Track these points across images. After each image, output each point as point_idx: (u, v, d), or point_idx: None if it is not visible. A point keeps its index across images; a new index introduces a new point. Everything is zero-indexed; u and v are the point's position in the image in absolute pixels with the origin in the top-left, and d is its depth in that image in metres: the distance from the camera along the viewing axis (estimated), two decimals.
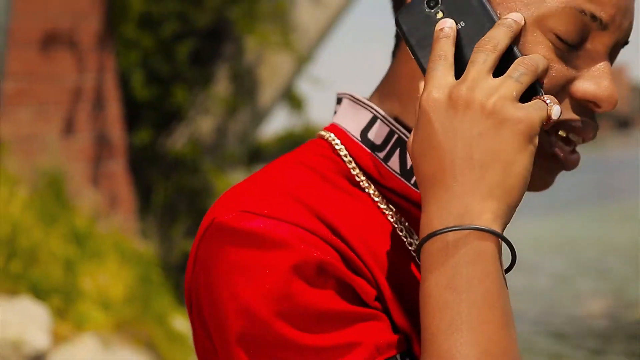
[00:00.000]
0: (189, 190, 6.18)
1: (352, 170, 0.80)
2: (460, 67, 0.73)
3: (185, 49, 6.11)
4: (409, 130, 0.80)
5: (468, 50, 0.74)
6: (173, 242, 5.93)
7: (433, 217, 0.70)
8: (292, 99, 7.40)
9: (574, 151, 0.79)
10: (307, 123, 7.83)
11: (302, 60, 6.52)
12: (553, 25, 0.74)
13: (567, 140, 0.78)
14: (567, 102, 0.76)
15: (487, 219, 0.68)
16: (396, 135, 0.80)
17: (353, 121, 0.82)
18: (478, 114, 0.69)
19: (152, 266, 4.68)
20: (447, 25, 0.74)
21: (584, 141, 0.79)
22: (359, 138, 0.81)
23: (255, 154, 7.62)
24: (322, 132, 0.83)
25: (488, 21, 0.74)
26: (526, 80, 0.71)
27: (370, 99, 0.84)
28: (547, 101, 0.71)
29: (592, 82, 0.76)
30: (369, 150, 0.80)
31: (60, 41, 4.99)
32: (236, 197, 0.76)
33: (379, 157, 0.80)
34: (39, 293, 3.58)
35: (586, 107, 0.77)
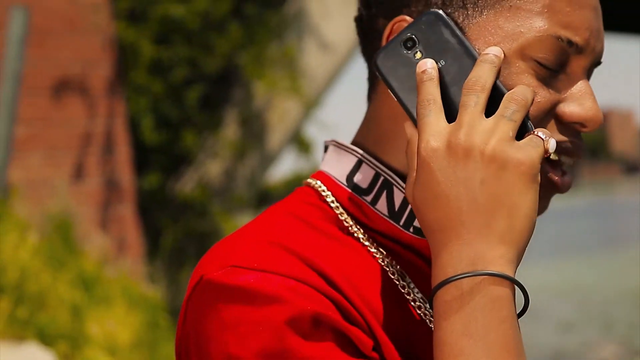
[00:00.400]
0: (197, 233, 6.19)
1: (339, 215, 0.79)
2: (447, 106, 0.73)
3: (194, 94, 6.17)
4: (395, 172, 0.80)
5: (454, 89, 0.74)
6: (181, 287, 5.92)
7: (445, 265, 0.70)
8: (300, 143, 7.45)
9: (565, 173, 0.79)
10: (315, 166, 7.86)
11: (310, 104, 6.57)
12: (533, 53, 0.76)
13: (556, 163, 0.79)
14: (553, 125, 0.77)
15: (500, 264, 0.69)
16: (382, 178, 0.80)
17: (338, 167, 0.82)
18: (479, 160, 0.70)
19: (160, 311, 4.67)
20: (428, 67, 0.74)
21: (574, 161, 0.80)
22: (345, 183, 0.81)
23: (264, 197, 7.64)
24: (309, 180, 0.83)
25: (468, 58, 0.74)
26: (519, 117, 0.72)
27: (353, 143, 0.84)
28: (543, 136, 0.72)
29: (576, 103, 0.77)
30: (355, 195, 0.80)
31: (71, 87, 5.05)
32: (224, 251, 0.75)
33: (366, 201, 0.80)
34: (46, 339, 3.57)
35: (572, 128, 0.78)
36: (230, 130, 6.47)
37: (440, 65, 0.74)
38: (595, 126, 0.78)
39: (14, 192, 4.45)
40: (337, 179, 0.81)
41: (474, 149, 0.70)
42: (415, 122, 0.75)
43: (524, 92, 0.73)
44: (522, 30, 0.76)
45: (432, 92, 0.73)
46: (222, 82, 6.45)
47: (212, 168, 6.43)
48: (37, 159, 4.88)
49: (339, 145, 0.83)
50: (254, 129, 6.52)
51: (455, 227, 0.70)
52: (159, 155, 6.17)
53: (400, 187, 0.79)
